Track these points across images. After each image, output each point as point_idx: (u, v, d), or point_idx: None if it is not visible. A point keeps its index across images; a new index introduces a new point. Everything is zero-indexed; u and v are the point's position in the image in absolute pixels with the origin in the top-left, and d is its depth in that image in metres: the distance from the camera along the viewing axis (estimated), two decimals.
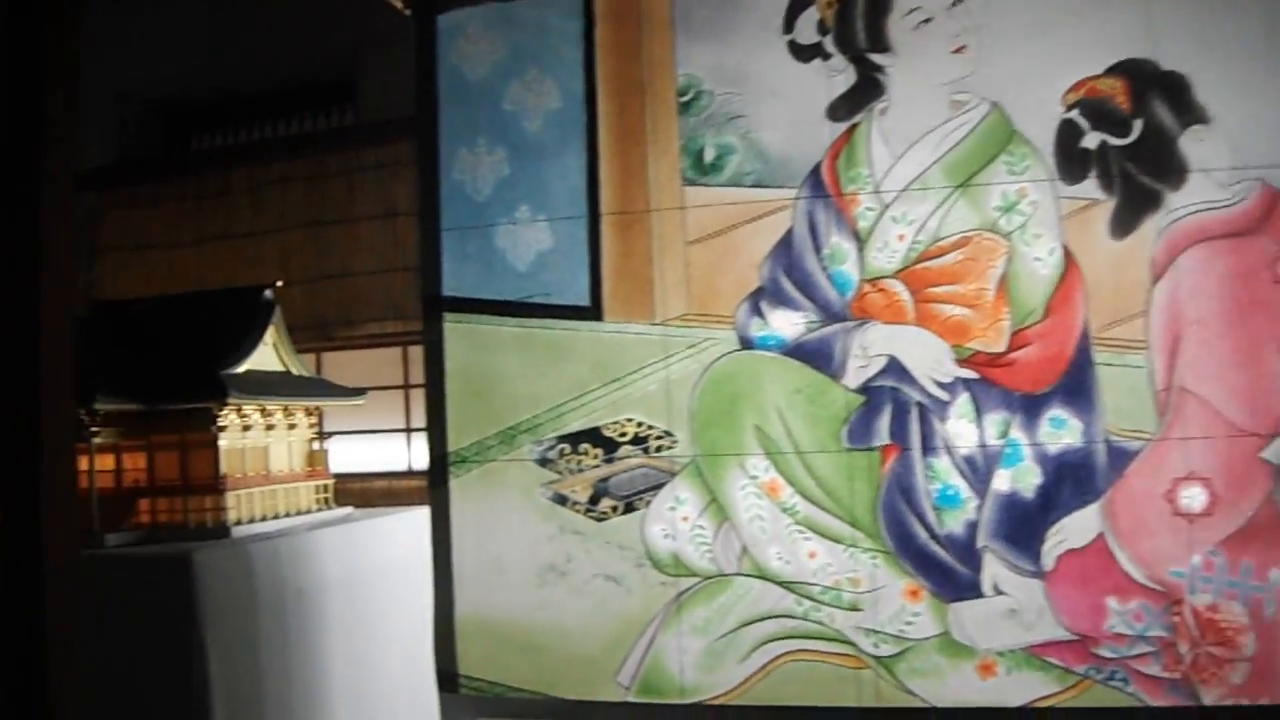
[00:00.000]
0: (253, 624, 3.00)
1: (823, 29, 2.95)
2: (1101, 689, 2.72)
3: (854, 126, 2.92)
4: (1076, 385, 2.75)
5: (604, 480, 3.07)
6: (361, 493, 4.56)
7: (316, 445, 3.69)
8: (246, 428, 3.29)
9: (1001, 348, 2.79)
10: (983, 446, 2.79)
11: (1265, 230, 2.66)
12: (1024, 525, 2.77)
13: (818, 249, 2.93)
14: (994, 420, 2.80)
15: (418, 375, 4.90)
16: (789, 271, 2.95)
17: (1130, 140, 2.74)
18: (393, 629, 3.62)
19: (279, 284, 3.48)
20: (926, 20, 2.87)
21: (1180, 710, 2.67)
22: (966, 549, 2.81)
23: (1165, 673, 2.69)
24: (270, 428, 3.42)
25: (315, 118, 5.13)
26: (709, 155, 3.02)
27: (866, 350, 2.89)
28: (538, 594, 3.12)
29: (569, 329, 3.11)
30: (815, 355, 2.92)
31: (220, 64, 5.22)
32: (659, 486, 3.03)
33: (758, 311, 2.97)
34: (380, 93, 4.86)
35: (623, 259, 3.09)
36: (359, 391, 3.79)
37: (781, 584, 2.93)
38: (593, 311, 3.11)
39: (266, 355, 3.46)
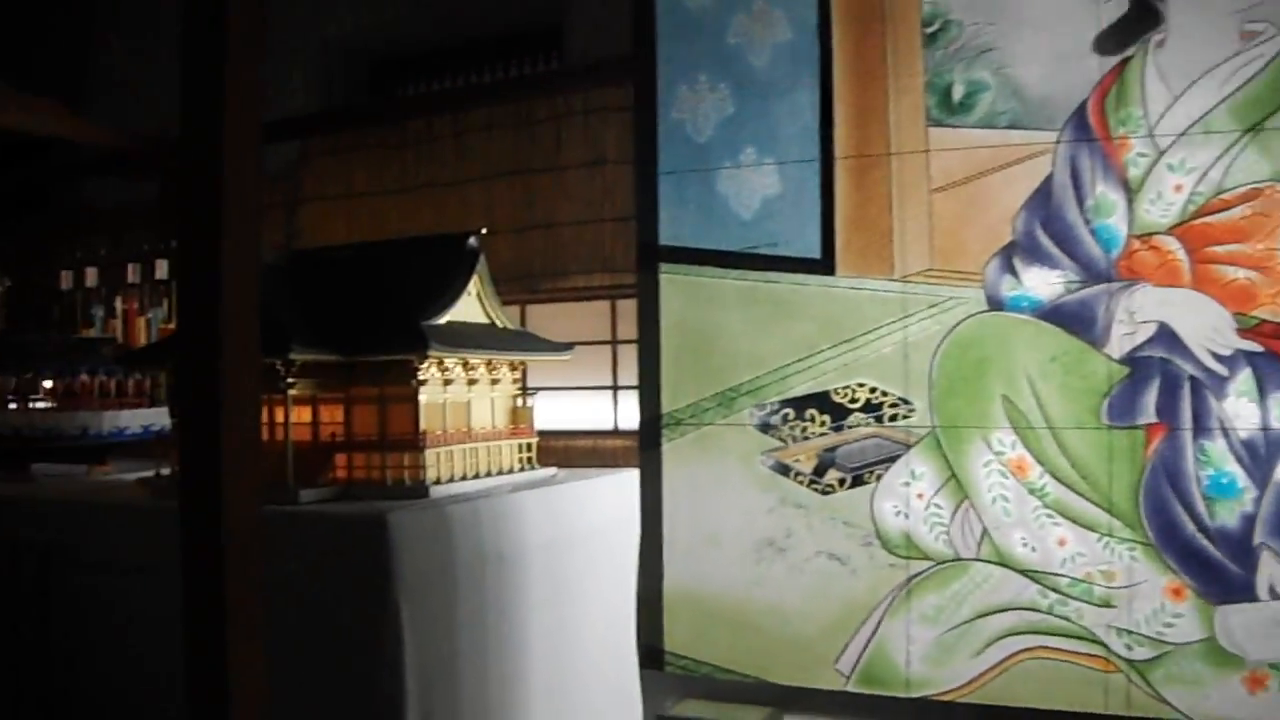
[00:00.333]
0: (450, 590, 3.21)
1: None
2: None
3: (1125, 61, 2.96)
4: None
5: (831, 450, 3.24)
6: (564, 451, 4.77)
7: (520, 401, 3.91)
8: (448, 382, 3.52)
9: None
10: (1265, 430, 2.83)
11: None
12: None
13: (1080, 200, 2.99)
14: None
15: (626, 330, 5.09)
16: (1047, 224, 3.03)
17: None
18: (594, 600, 3.83)
19: (484, 231, 3.70)
20: None
21: None
22: (1240, 545, 2.85)
23: None
24: (473, 382, 3.65)
25: (521, 63, 5.36)
26: (958, 93, 3.12)
27: (1134, 316, 2.95)
28: (754, 570, 3.33)
29: (797, 283, 3.28)
30: (1074, 319, 3.00)
31: (426, 10, 5.60)
32: (892, 459, 3.18)
33: (1010, 269, 3.06)
34: (588, 36, 5.02)
35: (858, 207, 3.23)
36: (566, 346, 4.00)
37: (1025, 573, 3.05)
38: (824, 265, 3.26)
39: (470, 306, 3.67)
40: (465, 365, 3.60)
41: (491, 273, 3.76)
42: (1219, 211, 2.86)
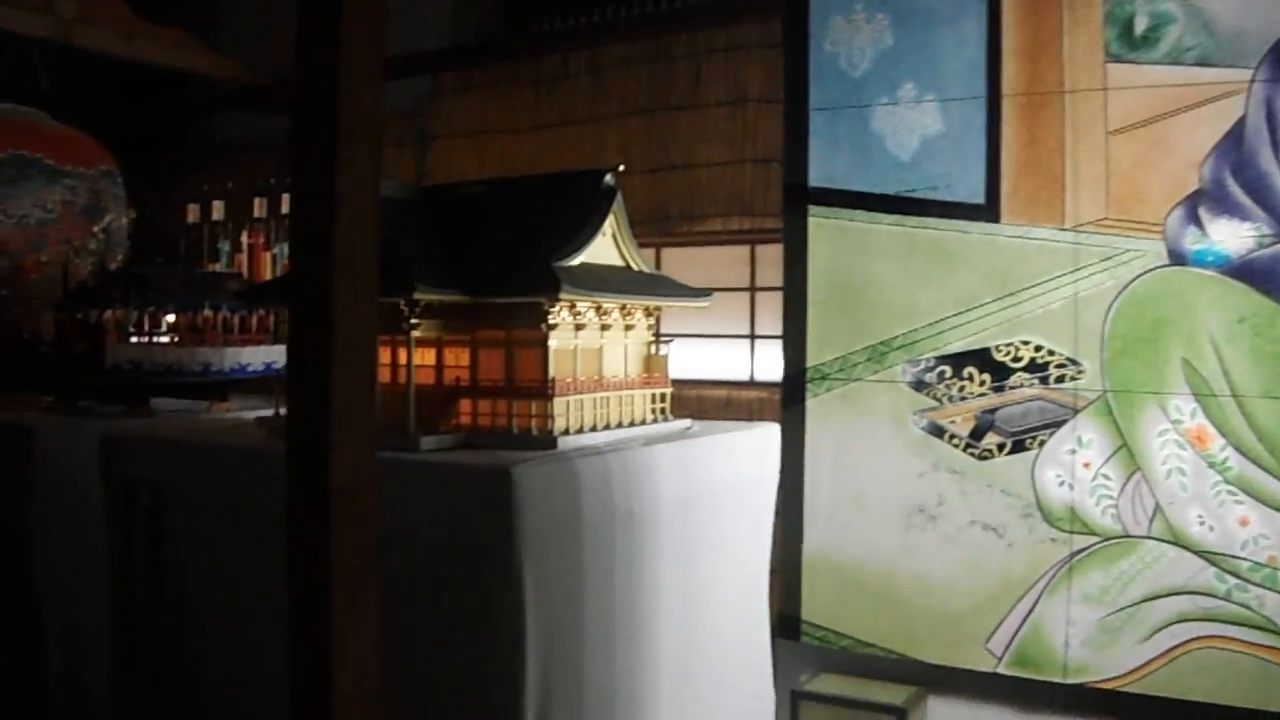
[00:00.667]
0: (576, 548, 3.14)
1: None
2: None
3: None
4: None
5: (990, 412, 3.14)
6: (697, 402, 4.74)
7: (655, 349, 3.82)
8: (579, 327, 3.44)
9: None
10: None
11: None
12: None
13: (1276, 145, 2.83)
14: None
15: (765, 277, 5.06)
16: (1238, 172, 2.88)
17: None
18: (727, 562, 3.76)
19: (620, 168, 3.61)
20: None
21: None
22: None
23: None
24: (606, 328, 3.57)
25: None
26: (1140, 25, 2.97)
27: None
28: (902, 538, 3.25)
29: (958, 231, 3.17)
30: (1266, 277, 2.85)
31: None
32: (1057, 424, 3.06)
33: (1194, 219, 2.92)
34: None
35: (1027, 149, 3.11)
36: (704, 292, 3.90)
37: (1201, 554, 2.92)
38: (988, 211, 3.15)
39: (605, 247, 3.59)
40: (598, 309, 3.51)
41: (626, 214, 3.66)
42: None
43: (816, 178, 3.34)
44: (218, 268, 5.24)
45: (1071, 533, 3.04)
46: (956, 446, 3.17)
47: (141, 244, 5.83)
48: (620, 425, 3.59)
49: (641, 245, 3.80)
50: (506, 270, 3.34)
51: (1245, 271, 2.86)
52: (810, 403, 3.34)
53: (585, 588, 3.17)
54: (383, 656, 2.94)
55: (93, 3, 5.47)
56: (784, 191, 3.43)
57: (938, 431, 3.19)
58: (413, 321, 3.21)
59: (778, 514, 3.71)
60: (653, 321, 3.83)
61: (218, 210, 5.32)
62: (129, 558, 3.63)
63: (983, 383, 3.14)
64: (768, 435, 3.85)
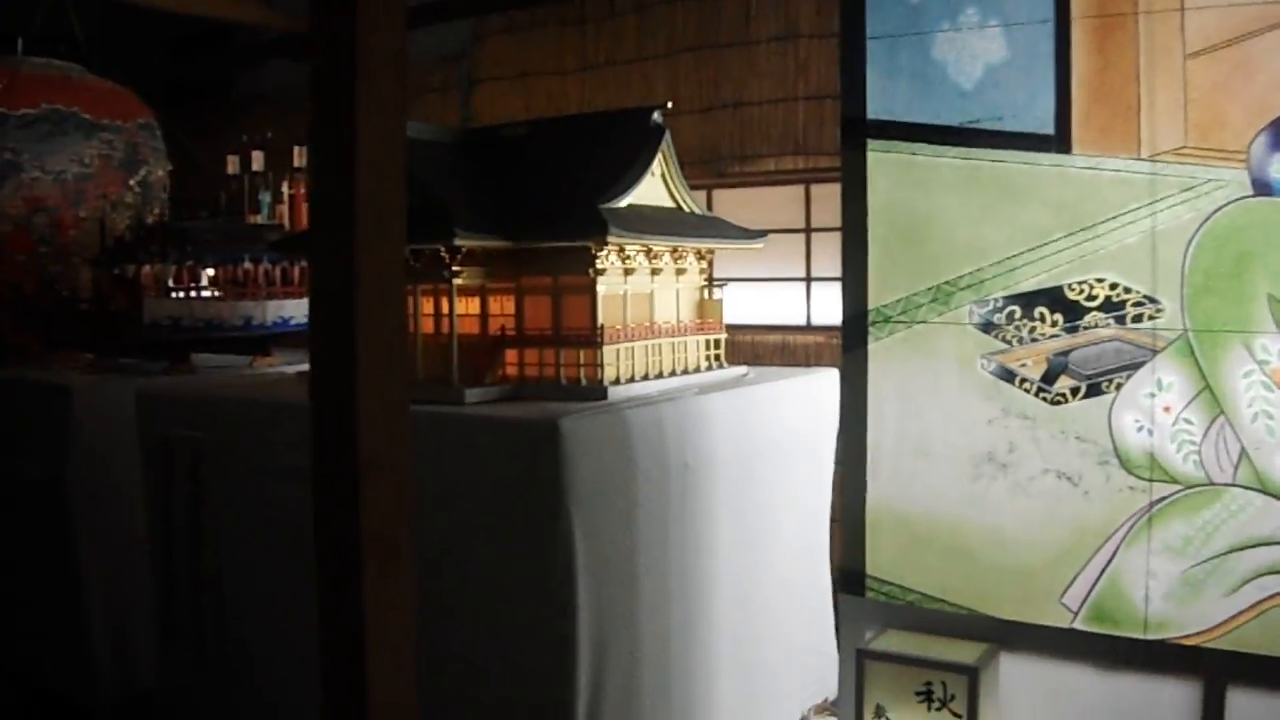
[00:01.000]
0: (628, 503, 3.09)
1: None
2: None
3: None
4: None
5: (1063, 354, 3.01)
6: (752, 347, 4.72)
7: (708, 293, 3.77)
8: (629, 271, 3.37)
9: None
10: None
11: None
12: None
13: None
14: None
15: (820, 217, 5.00)
16: None
17: None
18: (787, 514, 3.72)
19: (668, 105, 3.53)
20: None
21: None
22: None
23: None
24: (656, 272, 3.50)
25: None
26: None
27: None
28: (970, 488, 3.14)
29: (1026, 163, 3.04)
30: None
31: None
32: (1135, 366, 2.94)
33: None
34: None
35: (1099, 75, 2.97)
36: (758, 233, 3.82)
37: None
38: (1058, 141, 3.01)
39: (653, 188, 3.52)
40: (648, 253, 3.44)
41: (676, 155, 3.59)
42: None
43: (875, 110, 3.20)
44: (259, 219, 5.19)
45: (1151, 480, 2.92)
46: (1027, 391, 3.05)
47: (188, 197, 5.85)
48: (673, 373, 3.53)
49: (692, 187, 3.74)
50: (551, 214, 3.26)
51: None
52: (872, 347, 3.22)
53: (639, 544, 3.10)
54: (430, 620, 2.89)
55: None
56: (841, 125, 3.29)
57: (1007, 375, 3.07)
58: (454, 269, 3.16)
59: (838, 464, 3.65)
60: (705, 265, 3.76)
61: (257, 161, 5.27)
62: (168, 520, 3.61)
63: (1055, 323, 3.01)
64: (827, 381, 3.76)
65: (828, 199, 4.74)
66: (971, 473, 3.12)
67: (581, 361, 3.25)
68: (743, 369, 3.84)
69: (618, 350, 3.30)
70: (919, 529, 3.19)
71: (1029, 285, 3.03)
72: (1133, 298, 2.92)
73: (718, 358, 3.76)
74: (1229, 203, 2.81)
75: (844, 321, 3.28)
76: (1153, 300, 2.90)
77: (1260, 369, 2.79)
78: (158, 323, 4.41)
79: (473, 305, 3.38)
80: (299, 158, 5.06)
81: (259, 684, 3.40)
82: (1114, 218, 2.94)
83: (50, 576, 4.20)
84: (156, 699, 3.84)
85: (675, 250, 3.54)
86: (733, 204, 5.01)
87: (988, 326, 3.09)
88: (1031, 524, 3.05)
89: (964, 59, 3.11)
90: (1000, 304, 3.07)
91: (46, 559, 4.20)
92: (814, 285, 5.00)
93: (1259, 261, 2.78)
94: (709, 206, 4.90)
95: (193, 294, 4.57)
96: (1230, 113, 2.82)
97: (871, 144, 3.21)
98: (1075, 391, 3.00)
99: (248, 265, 4.59)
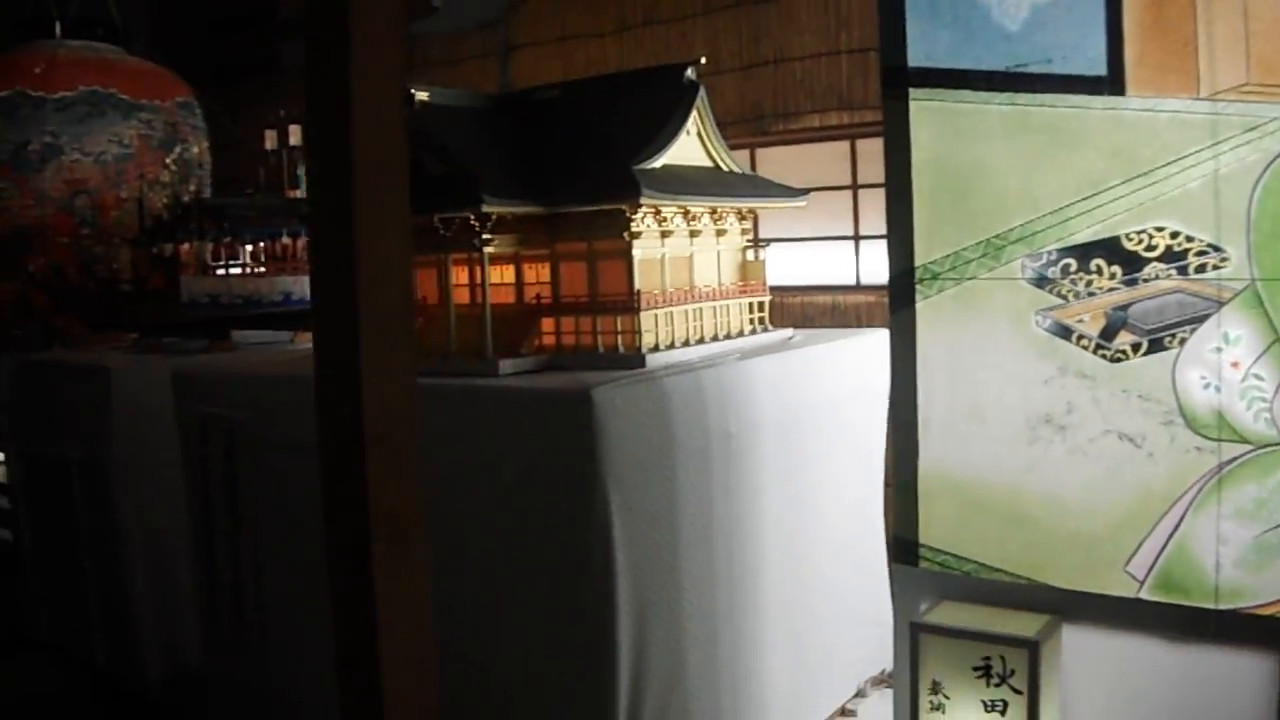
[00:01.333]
0: (668, 475, 3.01)
1: None
2: None
3: None
4: None
5: (1122, 308, 2.89)
6: (800, 310, 4.69)
7: (751, 255, 3.69)
8: (666, 234, 3.29)
9: None
10: None
11: None
12: None
13: None
14: None
15: (867, 174, 4.97)
16: None
17: None
18: (837, 483, 3.64)
19: (702, 60, 3.46)
20: None
21: None
22: None
23: None
24: (695, 234, 3.42)
25: None
26: None
27: None
28: (1027, 452, 3.02)
29: (1078, 107, 2.91)
30: None
31: None
32: (1199, 319, 2.80)
33: None
34: None
35: (1153, 11, 2.83)
36: (801, 192, 3.73)
37: None
38: (1111, 83, 2.88)
39: (690, 147, 3.44)
40: (685, 214, 3.37)
41: (717, 115, 3.53)
42: None
43: (916, 57, 3.07)
44: (298, 194, 5.16)
45: (1220, 440, 2.78)
46: (1085, 348, 2.92)
47: (233, 174, 5.88)
48: (715, 339, 3.46)
49: (734, 147, 3.68)
50: (583, 177, 3.21)
51: None
52: (920, 305, 3.10)
53: (680, 516, 3.02)
54: (464, 596, 2.82)
55: None
56: (881, 74, 3.17)
57: (1064, 332, 2.95)
58: (485, 237, 3.10)
59: (889, 428, 3.55)
60: (747, 225, 3.69)
61: (295, 135, 5.23)
62: (206, 499, 3.60)
63: (1113, 275, 2.87)
64: (877, 343, 3.66)
65: (875, 155, 4.67)
66: (1028, 435, 3.00)
67: (619, 329, 3.19)
68: (789, 332, 3.76)
69: (655, 316, 3.24)
70: (974, 495, 3.08)
71: (1084, 236, 2.90)
72: (1195, 246, 2.78)
73: (762, 321, 3.70)
74: None
75: (890, 279, 3.18)
76: (1217, 249, 2.76)
77: None
78: (196, 300, 4.41)
79: (507, 274, 3.33)
80: None
81: (300, 660, 3.39)
82: (1173, 162, 2.80)
83: (97, 557, 4.25)
84: (203, 678, 3.85)
85: (714, 211, 3.47)
86: (777, 162, 4.98)
87: (1041, 281, 2.97)
88: (1093, 488, 2.93)
89: (1008, 0, 2.97)
90: (1054, 257, 2.94)
91: (93, 540, 4.25)
92: (863, 244, 4.96)
93: None
94: (752, 166, 4.88)
95: (230, 271, 4.55)
96: None
97: (914, 93, 3.09)
98: (1136, 348, 2.87)
99: (286, 240, 4.58)
